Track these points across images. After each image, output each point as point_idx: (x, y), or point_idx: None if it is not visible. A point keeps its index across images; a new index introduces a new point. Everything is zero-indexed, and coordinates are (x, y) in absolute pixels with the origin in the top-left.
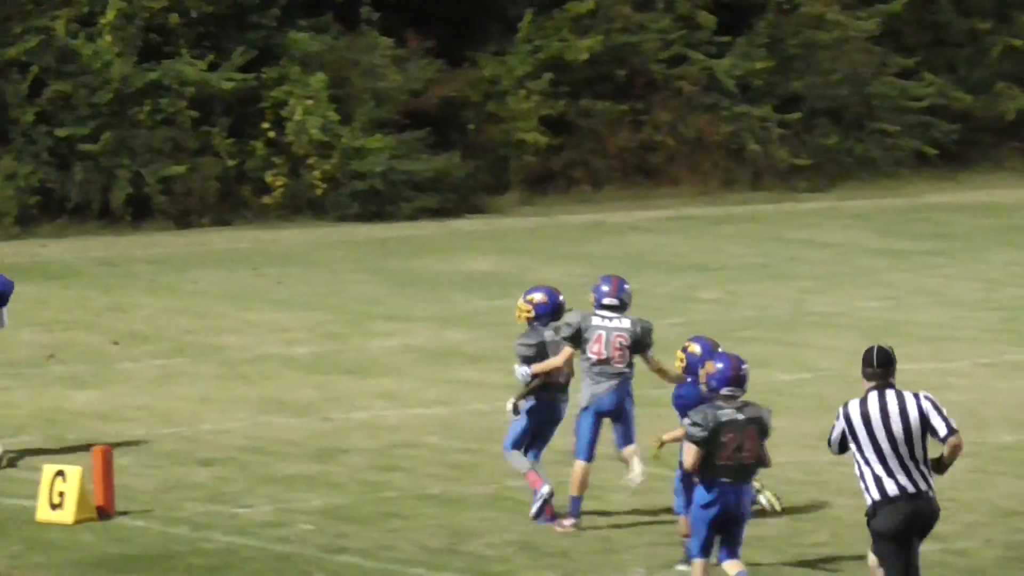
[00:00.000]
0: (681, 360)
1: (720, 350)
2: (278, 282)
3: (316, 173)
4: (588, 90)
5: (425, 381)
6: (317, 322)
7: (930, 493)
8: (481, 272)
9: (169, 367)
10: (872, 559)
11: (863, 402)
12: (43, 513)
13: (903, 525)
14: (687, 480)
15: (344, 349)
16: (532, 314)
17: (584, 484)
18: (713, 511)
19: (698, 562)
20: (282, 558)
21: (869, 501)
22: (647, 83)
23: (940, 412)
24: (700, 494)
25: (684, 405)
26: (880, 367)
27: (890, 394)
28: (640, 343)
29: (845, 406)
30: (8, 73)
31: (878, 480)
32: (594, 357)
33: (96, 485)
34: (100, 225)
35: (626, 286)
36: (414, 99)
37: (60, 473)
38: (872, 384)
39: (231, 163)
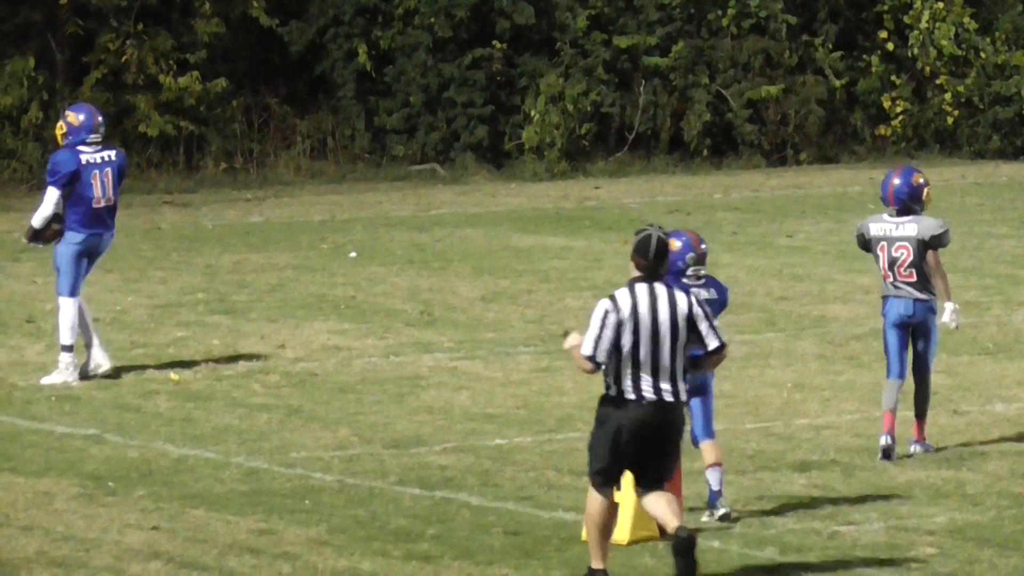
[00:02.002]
0: None
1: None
2: None
3: (947, 96)
4: None
5: None
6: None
7: (680, 399)
8: None
9: (757, 344)
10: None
11: (631, 293)
12: None
13: (642, 425)
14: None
15: (981, 323)
16: None
17: None
18: None
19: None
20: None
21: (614, 392)
22: None
23: (710, 321)
24: None
25: None
26: (656, 259)
27: (660, 288)
28: None
29: (612, 298)
30: None
31: (635, 379)
32: None
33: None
34: (669, 161)
35: None
36: None
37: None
38: (640, 276)
39: (838, 83)
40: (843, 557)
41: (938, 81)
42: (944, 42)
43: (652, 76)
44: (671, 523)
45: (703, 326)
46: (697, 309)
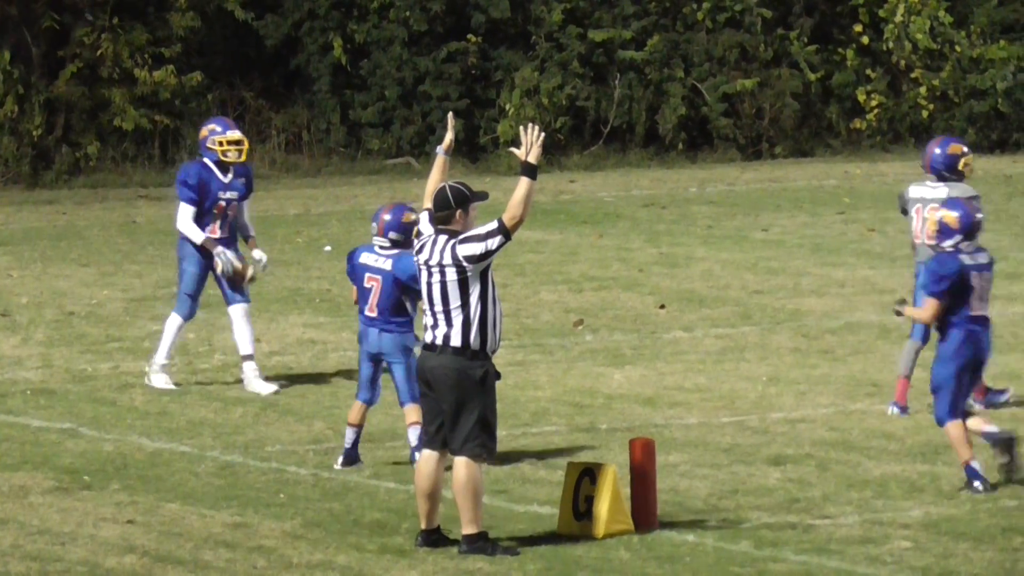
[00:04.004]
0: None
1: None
2: (871, 229)
3: (922, 90)
4: None
5: None
6: None
7: (447, 349)
8: None
9: (732, 338)
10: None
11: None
12: (565, 523)
13: (423, 374)
14: None
15: None
16: None
17: None
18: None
19: None
20: None
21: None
22: None
23: (478, 235)
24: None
25: None
26: (439, 210)
27: (441, 238)
28: None
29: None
30: None
31: (424, 319)
32: None
33: (634, 489)
34: (644, 155)
35: None
36: None
37: (588, 472)
38: (436, 228)
39: (813, 77)
40: (818, 551)
41: (913, 75)
42: (919, 36)
43: (627, 70)
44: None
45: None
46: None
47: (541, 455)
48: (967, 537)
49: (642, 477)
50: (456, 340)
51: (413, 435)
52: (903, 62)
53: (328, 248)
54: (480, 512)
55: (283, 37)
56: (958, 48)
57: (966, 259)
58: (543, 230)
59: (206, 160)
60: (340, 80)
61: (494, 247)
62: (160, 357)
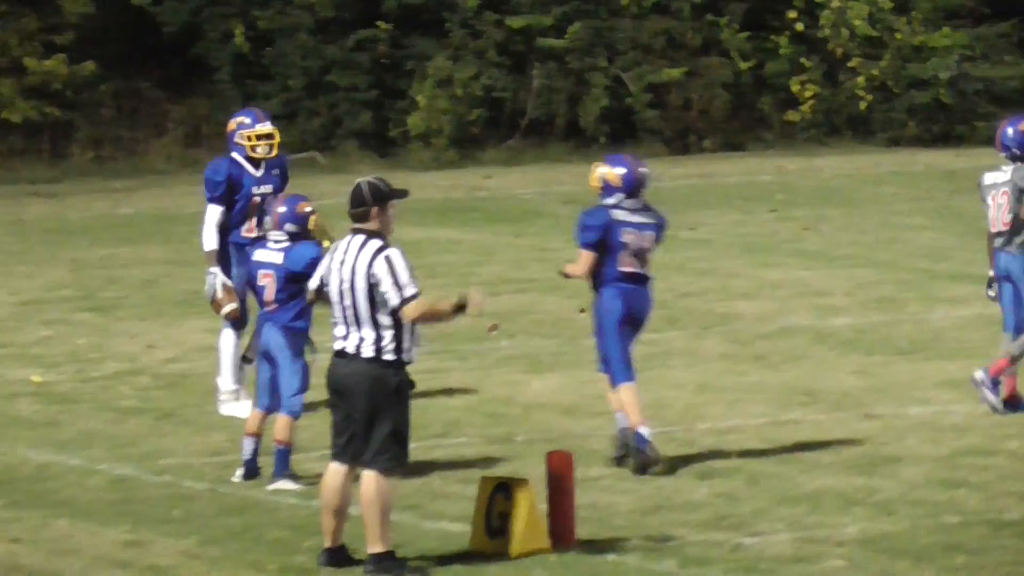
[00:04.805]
0: None
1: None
2: (806, 228)
3: (860, 80)
4: None
5: None
6: (860, 283)
7: (360, 357)
8: None
9: (658, 344)
10: None
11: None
12: (478, 541)
13: (333, 383)
14: None
15: (897, 320)
16: None
17: None
18: None
19: None
20: None
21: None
22: None
23: (396, 277)
24: None
25: None
26: (354, 207)
27: (356, 239)
28: None
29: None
30: None
31: (335, 326)
32: None
33: (552, 504)
34: (565, 149)
35: None
36: None
37: (503, 487)
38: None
39: (745, 66)
40: (748, 570)
41: (851, 64)
42: (857, 22)
43: (547, 59)
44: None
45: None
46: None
47: (453, 468)
48: (906, 555)
49: (560, 492)
50: (369, 349)
51: (248, 447)
52: (840, 50)
53: None
54: (388, 529)
55: (182, 24)
56: (899, 35)
57: (619, 214)
58: (457, 229)
59: (234, 155)
60: (242, 69)
61: (393, 301)
62: (226, 383)
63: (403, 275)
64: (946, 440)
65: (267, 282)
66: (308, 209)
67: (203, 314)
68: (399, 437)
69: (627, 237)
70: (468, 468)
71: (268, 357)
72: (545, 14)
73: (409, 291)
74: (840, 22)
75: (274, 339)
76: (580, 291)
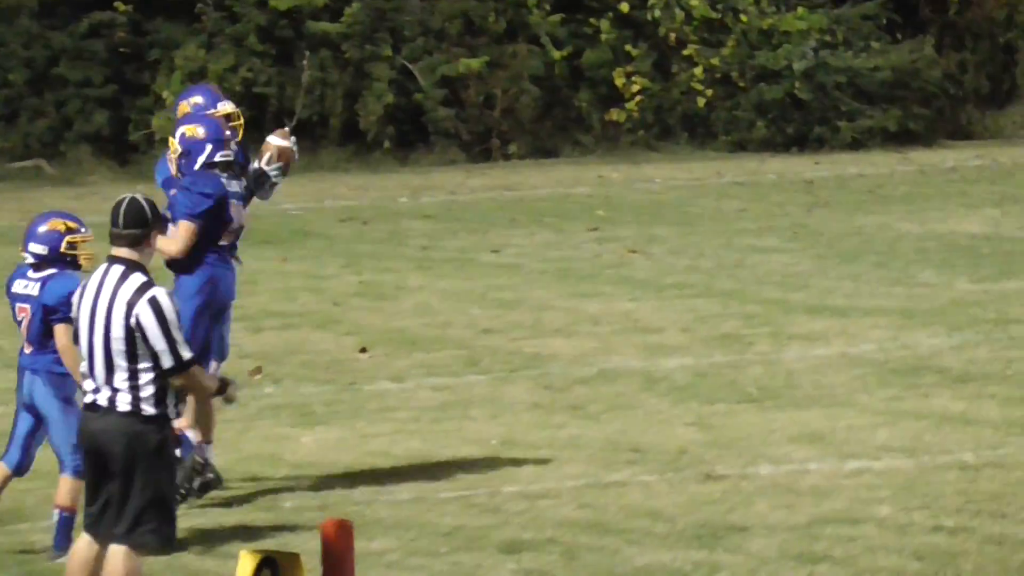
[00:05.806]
0: None
1: None
2: (633, 251)
3: (698, 71)
4: None
5: (875, 415)
6: (698, 317)
7: (115, 411)
8: (978, 236)
9: (455, 390)
10: None
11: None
12: None
13: (85, 441)
14: None
15: (743, 362)
16: None
17: None
18: None
19: None
20: None
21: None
22: None
23: (168, 332)
24: None
25: None
26: (127, 226)
27: (115, 271)
28: None
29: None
30: None
31: (84, 375)
32: None
33: None
34: (341, 155)
35: None
36: None
37: (269, 563)
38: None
39: (558, 55)
40: None
41: (686, 52)
42: (694, 2)
43: (319, 46)
44: None
45: None
46: None
47: (210, 540)
48: None
49: (336, 568)
50: (125, 402)
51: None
52: (673, 35)
53: None
54: None
55: None
56: (744, 18)
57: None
58: None
59: None
60: None
61: (165, 363)
62: None
63: (175, 330)
64: (803, 505)
65: (24, 317)
66: (61, 226)
67: None
68: (161, 506)
69: (233, 212)
70: (227, 541)
71: (30, 409)
72: None
73: (186, 355)
74: (673, 2)
75: (37, 390)
76: (359, 327)
